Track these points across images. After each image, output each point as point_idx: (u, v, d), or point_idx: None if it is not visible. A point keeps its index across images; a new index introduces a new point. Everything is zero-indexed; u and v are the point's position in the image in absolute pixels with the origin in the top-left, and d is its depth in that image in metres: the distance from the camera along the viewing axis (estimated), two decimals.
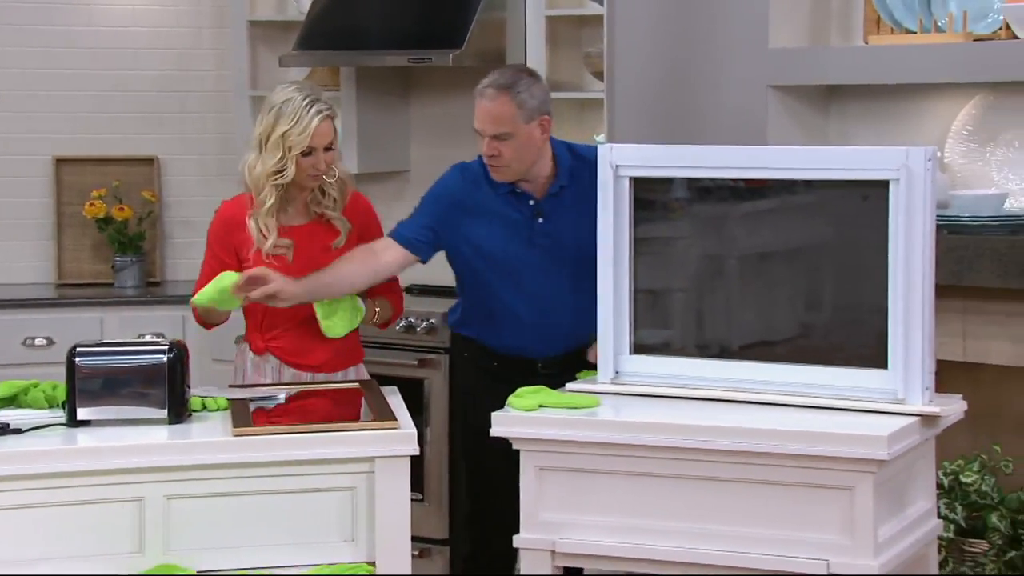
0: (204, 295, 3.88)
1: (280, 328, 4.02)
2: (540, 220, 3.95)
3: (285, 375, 4.07)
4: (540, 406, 3.55)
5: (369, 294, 4.10)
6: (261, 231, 3.98)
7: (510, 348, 3.99)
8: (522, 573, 3.51)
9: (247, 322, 4.09)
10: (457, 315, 4.12)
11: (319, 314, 3.97)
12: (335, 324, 4.00)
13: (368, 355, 4.58)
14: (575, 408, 3.55)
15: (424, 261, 4.03)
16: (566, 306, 3.95)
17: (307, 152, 3.95)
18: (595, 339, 3.74)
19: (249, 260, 4.01)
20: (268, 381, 4.07)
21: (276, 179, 3.95)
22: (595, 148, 4.09)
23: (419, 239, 3.97)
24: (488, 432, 3.84)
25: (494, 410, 3.68)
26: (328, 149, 3.98)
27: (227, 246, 4.05)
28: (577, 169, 3.96)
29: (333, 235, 4.05)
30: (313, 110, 3.95)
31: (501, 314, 3.99)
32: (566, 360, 3.92)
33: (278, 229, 3.99)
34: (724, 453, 3.34)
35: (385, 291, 4.13)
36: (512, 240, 3.94)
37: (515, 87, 3.86)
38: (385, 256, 3.96)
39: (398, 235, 3.98)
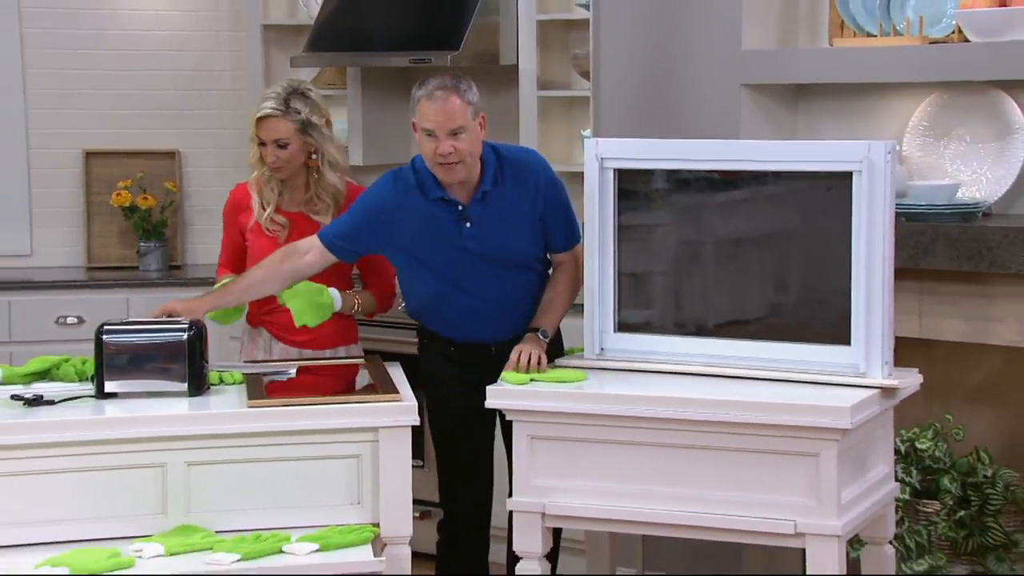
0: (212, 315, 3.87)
1: (275, 303, 3.95)
2: (467, 225, 3.76)
3: (275, 349, 4.01)
4: (531, 380, 3.53)
5: (364, 284, 4.05)
6: (262, 204, 3.98)
7: (463, 336, 3.85)
8: (513, 534, 3.50)
9: None
10: (411, 306, 3.96)
11: (290, 306, 3.87)
12: (302, 313, 3.87)
13: (373, 332, 4.55)
14: (564, 382, 3.53)
15: (348, 263, 3.90)
16: (504, 298, 3.81)
17: (261, 142, 3.94)
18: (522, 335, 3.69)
19: (249, 238, 4.02)
20: (260, 353, 4.04)
21: (251, 156, 3.99)
22: (522, 149, 4.00)
23: (341, 244, 3.81)
24: (454, 412, 3.82)
25: (457, 392, 3.63)
26: (281, 147, 3.92)
27: (234, 224, 4.07)
28: (501, 172, 3.79)
29: (314, 229, 3.93)
30: (265, 103, 3.94)
31: (445, 310, 3.84)
32: (517, 341, 3.74)
33: (276, 205, 3.98)
34: (700, 423, 3.33)
35: (373, 284, 4.05)
36: (443, 244, 3.77)
37: (459, 86, 3.69)
38: (308, 256, 3.81)
39: (323, 236, 3.83)
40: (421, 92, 3.71)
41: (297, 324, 3.87)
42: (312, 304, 3.88)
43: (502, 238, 3.78)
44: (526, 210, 3.80)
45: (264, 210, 3.99)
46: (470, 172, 3.75)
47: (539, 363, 3.61)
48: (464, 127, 3.67)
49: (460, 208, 3.77)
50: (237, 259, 4.05)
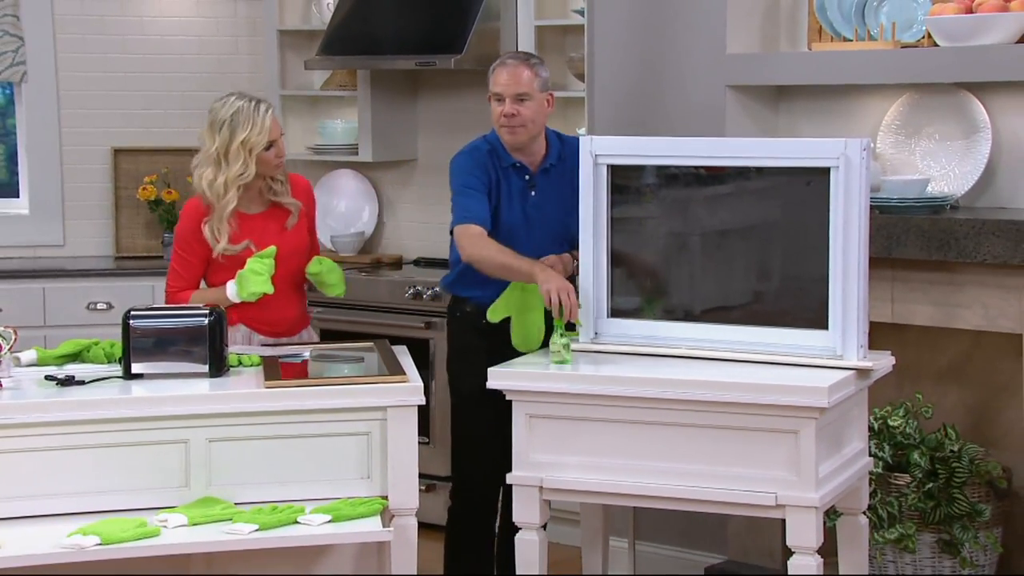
0: (260, 286, 3.79)
1: (250, 303, 3.88)
2: (533, 193, 3.88)
3: (255, 341, 3.92)
4: (507, 316, 3.64)
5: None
6: (215, 236, 3.86)
7: (493, 302, 3.81)
8: (513, 506, 3.48)
9: None
10: (452, 277, 3.98)
11: (329, 280, 3.95)
12: (337, 287, 3.98)
13: (382, 319, 4.52)
14: (527, 341, 3.65)
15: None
16: None
17: (268, 146, 3.86)
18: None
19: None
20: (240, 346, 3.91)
21: (240, 180, 3.84)
22: (576, 138, 4.06)
23: (488, 218, 3.80)
24: (476, 389, 3.79)
25: (483, 367, 3.62)
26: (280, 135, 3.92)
27: (201, 238, 3.88)
28: (562, 153, 3.91)
29: (286, 216, 3.95)
30: (262, 109, 3.87)
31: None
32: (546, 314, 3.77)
33: (239, 218, 3.87)
34: (688, 402, 3.31)
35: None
36: (511, 207, 3.85)
37: (531, 60, 3.85)
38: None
39: (478, 221, 3.77)
40: (497, 63, 3.85)
41: (333, 294, 3.97)
42: (342, 277, 4.00)
43: (558, 211, 3.85)
44: (578, 190, 3.80)
45: (218, 242, 3.85)
46: (532, 140, 3.85)
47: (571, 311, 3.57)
48: (530, 95, 3.79)
49: (528, 177, 3.87)
50: (200, 275, 3.91)
